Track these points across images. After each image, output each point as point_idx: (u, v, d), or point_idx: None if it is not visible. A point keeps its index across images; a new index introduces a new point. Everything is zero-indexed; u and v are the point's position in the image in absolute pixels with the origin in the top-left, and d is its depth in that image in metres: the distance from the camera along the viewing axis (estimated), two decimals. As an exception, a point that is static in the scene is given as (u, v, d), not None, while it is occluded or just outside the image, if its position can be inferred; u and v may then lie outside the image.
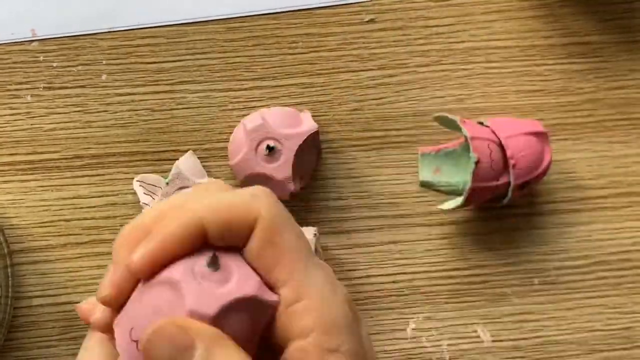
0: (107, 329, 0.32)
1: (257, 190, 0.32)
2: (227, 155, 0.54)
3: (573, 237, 0.55)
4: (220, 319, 0.29)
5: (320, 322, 0.30)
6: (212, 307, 0.29)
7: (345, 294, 0.32)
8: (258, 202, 0.31)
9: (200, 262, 0.30)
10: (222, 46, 0.55)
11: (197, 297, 0.29)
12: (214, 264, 0.29)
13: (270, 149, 0.50)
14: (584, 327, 0.54)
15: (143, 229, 0.31)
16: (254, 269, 0.31)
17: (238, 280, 0.30)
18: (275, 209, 0.31)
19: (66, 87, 0.54)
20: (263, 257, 0.31)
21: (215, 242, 0.31)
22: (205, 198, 0.31)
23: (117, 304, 0.31)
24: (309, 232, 0.52)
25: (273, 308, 0.30)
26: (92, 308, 0.32)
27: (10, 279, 0.52)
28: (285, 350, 0.30)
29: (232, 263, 0.30)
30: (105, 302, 0.31)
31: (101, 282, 0.31)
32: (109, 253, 0.54)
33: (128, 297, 0.31)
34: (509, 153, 0.50)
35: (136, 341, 0.29)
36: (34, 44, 0.54)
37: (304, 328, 0.30)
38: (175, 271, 0.29)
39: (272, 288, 0.30)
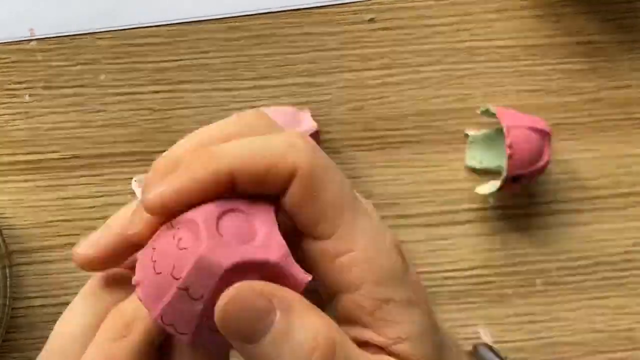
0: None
1: (294, 137, 0.29)
2: (227, 155, 0.54)
3: (574, 238, 0.55)
4: (230, 276, 0.27)
5: (371, 274, 0.29)
6: (226, 260, 0.27)
7: (392, 239, 0.30)
8: (295, 152, 0.28)
9: (229, 216, 0.28)
10: (222, 45, 0.54)
11: (213, 246, 0.27)
12: (236, 228, 0.28)
13: (270, 149, 0.50)
14: (586, 328, 0.54)
15: (175, 162, 0.29)
16: (295, 222, 0.29)
17: (263, 241, 0.28)
18: (314, 159, 0.28)
19: (65, 87, 0.54)
20: (305, 212, 0.29)
21: (244, 192, 0.29)
22: (237, 144, 0.29)
23: (140, 242, 0.29)
24: None
25: (296, 284, 0.28)
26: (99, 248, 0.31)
27: (8, 279, 0.52)
28: (337, 303, 0.29)
29: (259, 219, 0.28)
30: (135, 239, 0.29)
31: (130, 217, 0.30)
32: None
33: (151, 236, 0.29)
34: (508, 141, 0.50)
35: (160, 273, 0.27)
36: (32, 43, 0.54)
37: (354, 281, 0.29)
38: (198, 214, 0.28)
39: (317, 238, 0.29)
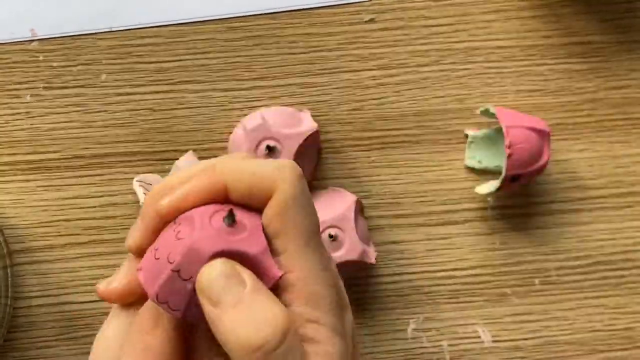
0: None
1: (284, 162, 0.33)
2: (227, 155, 0.54)
3: (574, 237, 0.55)
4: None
5: (303, 294, 0.32)
6: (212, 248, 0.31)
7: (336, 280, 0.34)
8: (281, 175, 0.33)
9: (220, 214, 0.32)
10: (222, 46, 0.55)
11: (203, 236, 0.31)
12: (230, 219, 0.32)
13: (270, 149, 0.50)
14: (585, 327, 0.54)
15: (171, 188, 0.33)
16: (264, 233, 0.33)
17: (247, 237, 0.32)
18: (292, 186, 0.33)
19: (66, 87, 0.54)
20: (272, 225, 0.32)
21: (236, 202, 0.33)
22: (232, 163, 0.33)
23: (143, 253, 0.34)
24: None
25: (269, 278, 0.32)
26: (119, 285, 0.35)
27: (9, 279, 0.52)
28: None
29: (247, 221, 0.32)
30: (134, 249, 0.34)
31: (130, 233, 0.34)
32: (109, 253, 0.55)
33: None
34: (507, 141, 0.50)
35: (158, 258, 0.32)
36: (33, 43, 0.54)
37: (286, 298, 0.32)
38: (196, 212, 0.32)
39: (271, 252, 0.33)
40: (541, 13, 0.56)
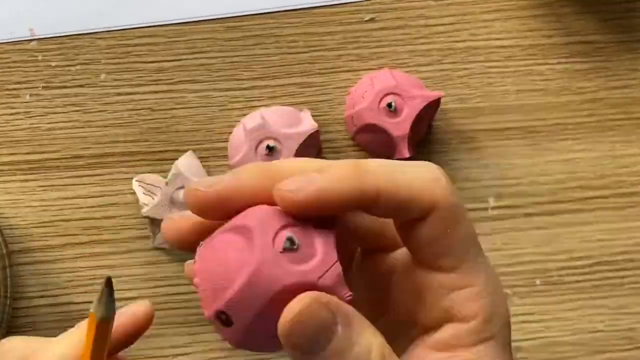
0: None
1: (438, 173, 0.29)
2: (227, 155, 0.54)
3: (575, 238, 0.55)
4: (278, 299, 0.27)
5: (485, 310, 0.29)
6: (277, 284, 0.27)
7: (502, 286, 0.31)
8: (439, 187, 0.29)
9: (285, 233, 0.27)
10: (222, 45, 0.54)
11: (266, 264, 0.27)
12: (291, 245, 0.27)
13: (270, 148, 0.50)
14: (586, 327, 0.54)
15: (304, 172, 0.28)
16: (413, 251, 0.30)
17: (319, 264, 0.27)
18: (454, 198, 0.29)
19: (65, 87, 0.54)
20: (435, 245, 0.29)
21: (374, 213, 0.29)
22: (385, 167, 0.29)
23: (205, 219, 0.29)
24: None
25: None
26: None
27: (9, 279, 0.52)
28: (439, 330, 0.30)
29: (318, 240, 0.28)
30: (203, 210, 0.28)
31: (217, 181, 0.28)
32: (109, 253, 0.55)
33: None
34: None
35: (213, 279, 0.27)
36: (32, 43, 0.54)
37: (469, 314, 0.29)
38: (257, 222, 0.27)
39: (435, 270, 0.30)
40: (542, 13, 0.56)
